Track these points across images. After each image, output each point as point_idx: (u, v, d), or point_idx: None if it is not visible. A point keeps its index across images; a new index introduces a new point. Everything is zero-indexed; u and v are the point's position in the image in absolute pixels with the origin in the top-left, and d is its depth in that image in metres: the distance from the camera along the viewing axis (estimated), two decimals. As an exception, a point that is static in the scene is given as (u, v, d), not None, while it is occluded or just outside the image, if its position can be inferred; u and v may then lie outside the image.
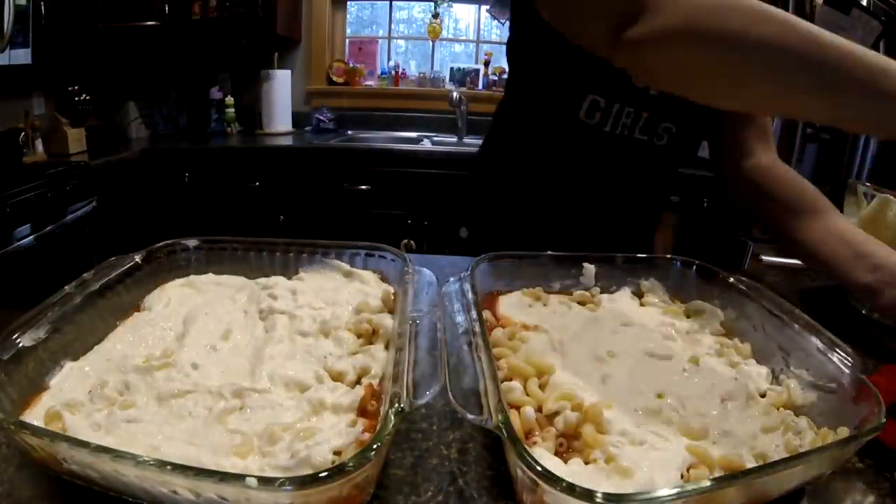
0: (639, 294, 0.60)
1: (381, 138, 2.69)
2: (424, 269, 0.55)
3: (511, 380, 0.43)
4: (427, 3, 2.89)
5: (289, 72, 2.74)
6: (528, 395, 0.41)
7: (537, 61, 0.78)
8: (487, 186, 0.91)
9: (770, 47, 0.45)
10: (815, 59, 0.44)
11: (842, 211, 0.73)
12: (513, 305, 0.55)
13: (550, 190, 0.84)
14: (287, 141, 2.59)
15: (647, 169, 0.83)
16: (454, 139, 2.69)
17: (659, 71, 0.53)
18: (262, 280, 0.58)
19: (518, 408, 0.40)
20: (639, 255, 0.62)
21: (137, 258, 0.56)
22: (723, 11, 0.47)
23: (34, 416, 0.38)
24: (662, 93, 0.75)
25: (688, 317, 0.56)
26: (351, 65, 2.91)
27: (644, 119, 0.76)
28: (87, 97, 2.30)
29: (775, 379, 0.47)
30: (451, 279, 0.53)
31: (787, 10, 1.94)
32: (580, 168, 0.81)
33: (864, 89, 0.43)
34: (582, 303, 0.57)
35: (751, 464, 0.36)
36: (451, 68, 2.94)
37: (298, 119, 2.81)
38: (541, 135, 0.82)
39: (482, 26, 3.00)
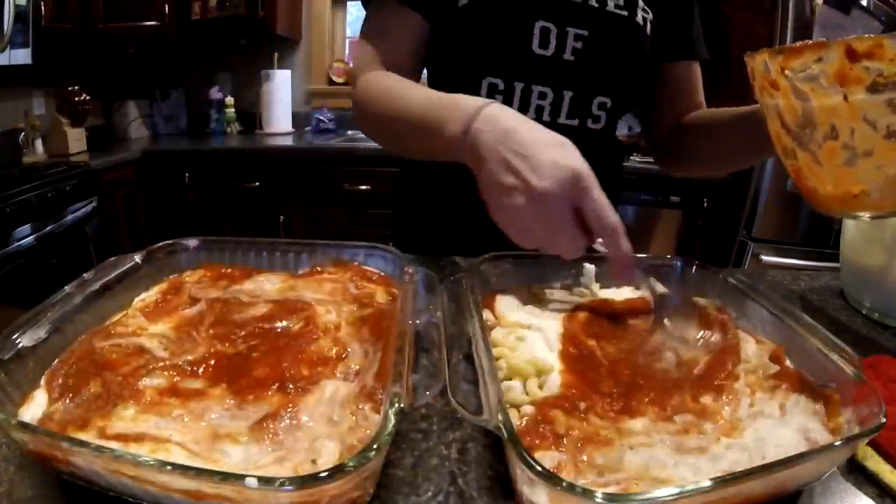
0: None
1: (381, 138, 2.69)
2: (424, 269, 0.55)
3: (511, 379, 0.43)
4: (427, 3, 2.89)
5: (289, 72, 2.74)
6: (527, 394, 0.41)
7: (435, 50, 0.73)
8: (412, 191, 0.86)
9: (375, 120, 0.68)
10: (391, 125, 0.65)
11: None
12: (510, 304, 0.55)
13: (472, 198, 0.79)
14: (287, 141, 2.59)
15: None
16: (454, 139, 2.68)
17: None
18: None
19: (518, 407, 0.40)
20: (639, 255, 0.62)
21: (137, 258, 0.56)
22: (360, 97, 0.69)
23: (31, 415, 0.38)
24: (584, 60, 0.68)
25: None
26: (351, 65, 2.91)
27: (569, 100, 0.69)
28: (87, 97, 2.31)
29: (775, 379, 0.47)
30: (451, 279, 0.53)
31: (787, 10, 1.95)
32: None
33: (417, 136, 0.59)
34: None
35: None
36: (451, 68, 2.93)
37: (298, 119, 2.81)
38: None
39: (482, 26, 2.99)
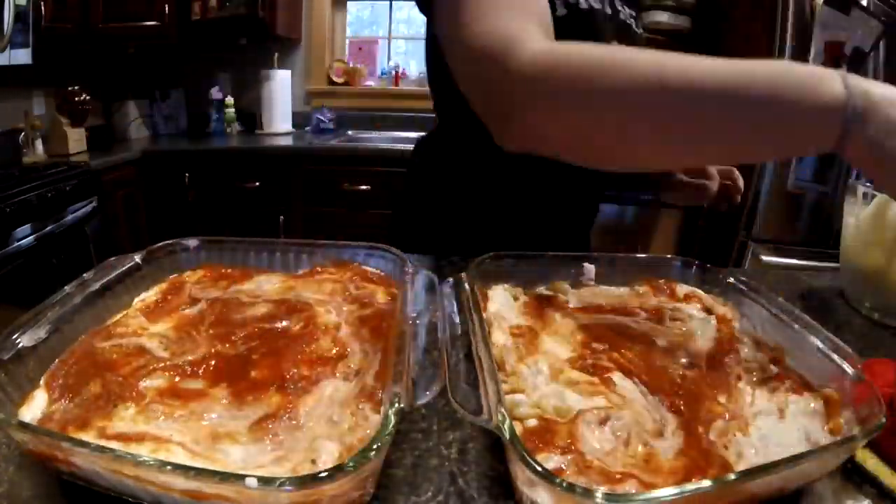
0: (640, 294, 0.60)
1: (381, 138, 2.69)
2: (424, 269, 0.55)
3: (517, 392, 0.42)
4: (427, 3, 2.89)
5: (289, 72, 2.74)
6: (538, 408, 0.41)
7: (439, 61, 0.70)
8: (423, 192, 0.87)
9: (644, 103, 0.44)
10: (692, 104, 0.43)
11: (841, 211, 0.73)
12: (502, 299, 0.55)
13: (476, 193, 0.80)
14: (287, 141, 2.59)
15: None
16: (454, 139, 2.69)
17: (555, 141, 0.50)
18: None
19: (522, 420, 0.39)
20: (639, 255, 0.63)
21: (137, 258, 0.56)
22: (593, 70, 0.46)
23: (31, 415, 0.38)
24: None
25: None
26: (351, 65, 2.91)
27: None
28: (87, 97, 2.30)
29: (775, 379, 0.47)
30: (451, 279, 0.53)
31: (787, 10, 1.95)
32: (497, 166, 0.76)
33: (763, 114, 0.42)
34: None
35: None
36: (452, 68, 2.94)
37: (298, 119, 2.81)
38: (454, 132, 0.79)
39: (482, 26, 3.00)
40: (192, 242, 0.60)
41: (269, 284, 0.56)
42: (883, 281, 0.65)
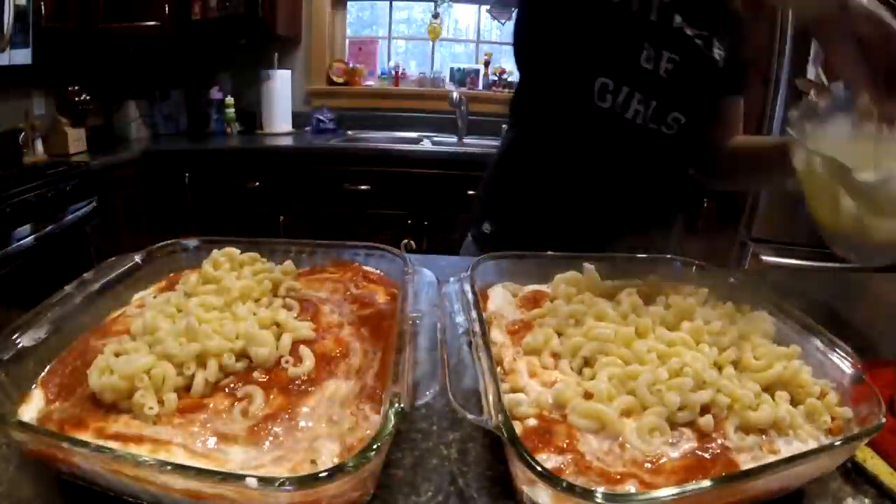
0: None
1: (381, 138, 2.69)
2: (424, 269, 0.55)
3: (516, 391, 0.42)
4: (427, 4, 2.89)
5: (289, 72, 2.74)
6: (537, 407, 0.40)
7: (545, 49, 0.80)
8: (512, 180, 0.93)
9: None
10: None
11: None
12: (502, 299, 0.55)
13: (572, 181, 0.84)
14: (287, 141, 2.59)
15: (658, 160, 0.84)
16: (454, 139, 2.68)
17: None
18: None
19: (523, 420, 0.39)
20: (639, 255, 0.63)
21: (137, 258, 0.56)
22: None
23: (29, 415, 0.38)
24: (672, 79, 0.77)
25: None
26: (351, 65, 2.91)
27: (653, 108, 0.79)
28: (87, 97, 2.30)
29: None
30: (451, 279, 0.53)
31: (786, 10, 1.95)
32: (599, 155, 0.82)
33: None
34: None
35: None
36: (452, 68, 2.94)
37: (298, 119, 2.80)
38: (559, 123, 0.84)
39: (482, 26, 3.00)
40: (192, 242, 0.60)
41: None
42: (861, 236, 0.63)
